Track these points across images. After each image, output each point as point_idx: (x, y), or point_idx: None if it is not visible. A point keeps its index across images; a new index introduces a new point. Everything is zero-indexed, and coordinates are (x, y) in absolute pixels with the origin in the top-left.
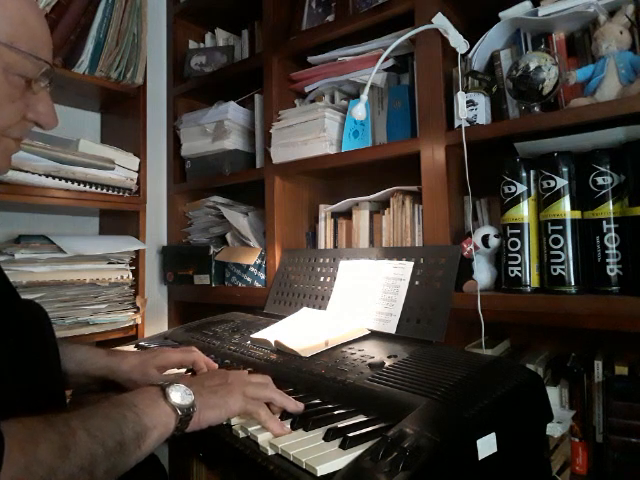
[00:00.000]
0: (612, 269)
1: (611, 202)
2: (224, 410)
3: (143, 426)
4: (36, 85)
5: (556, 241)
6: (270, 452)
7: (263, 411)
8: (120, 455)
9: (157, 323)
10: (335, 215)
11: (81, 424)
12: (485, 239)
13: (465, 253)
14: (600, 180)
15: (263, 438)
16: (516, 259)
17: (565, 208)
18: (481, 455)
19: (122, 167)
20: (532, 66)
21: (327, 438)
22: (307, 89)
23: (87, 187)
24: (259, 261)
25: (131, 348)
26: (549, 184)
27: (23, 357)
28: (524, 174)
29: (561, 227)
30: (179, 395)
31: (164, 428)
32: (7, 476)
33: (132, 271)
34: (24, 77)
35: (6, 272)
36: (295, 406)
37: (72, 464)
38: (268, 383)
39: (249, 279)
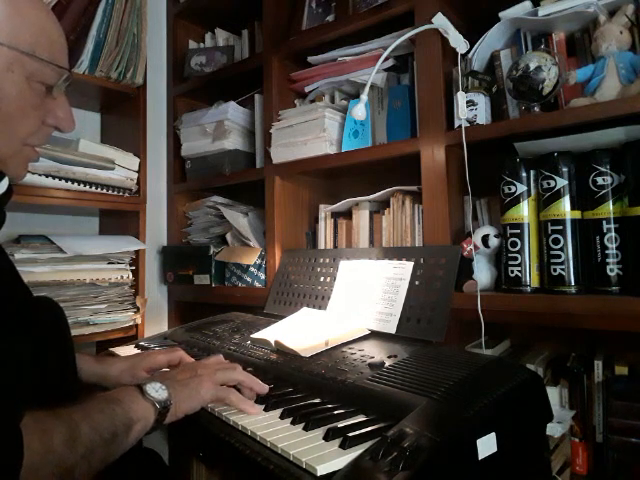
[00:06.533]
0: (612, 269)
1: (611, 202)
2: (197, 400)
3: (129, 419)
4: (56, 91)
5: (556, 241)
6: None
7: (233, 395)
8: (113, 445)
9: (157, 323)
10: (335, 215)
11: (83, 418)
12: (485, 239)
13: (465, 253)
14: (600, 180)
15: (262, 433)
16: (516, 259)
17: (565, 208)
18: (481, 455)
19: (122, 167)
20: (532, 66)
21: (327, 438)
22: (307, 89)
23: (87, 187)
24: (259, 261)
25: (131, 348)
26: (549, 184)
27: (46, 350)
28: (524, 174)
29: (561, 227)
30: (155, 391)
31: (145, 421)
32: (28, 462)
33: (132, 271)
34: (45, 84)
35: None
36: (261, 387)
37: (77, 453)
38: (236, 367)
39: (249, 279)
